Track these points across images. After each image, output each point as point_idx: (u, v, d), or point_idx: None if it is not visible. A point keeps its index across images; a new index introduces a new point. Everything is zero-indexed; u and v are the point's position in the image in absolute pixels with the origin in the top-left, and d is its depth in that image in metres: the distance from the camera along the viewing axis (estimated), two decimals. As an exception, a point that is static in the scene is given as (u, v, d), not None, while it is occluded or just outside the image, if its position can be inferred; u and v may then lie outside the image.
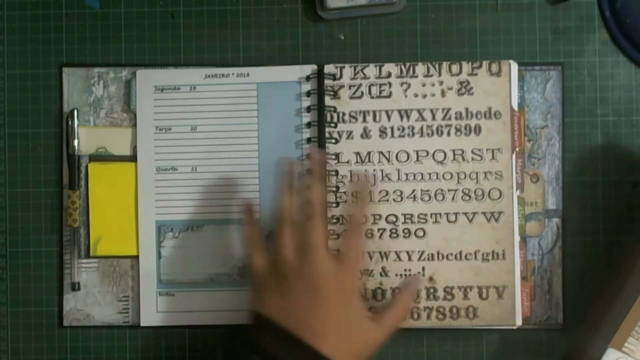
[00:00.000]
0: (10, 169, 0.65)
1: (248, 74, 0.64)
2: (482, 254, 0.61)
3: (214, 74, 0.64)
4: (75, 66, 0.65)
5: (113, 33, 0.65)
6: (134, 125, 0.64)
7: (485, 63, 0.61)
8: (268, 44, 0.65)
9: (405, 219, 0.62)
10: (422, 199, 0.61)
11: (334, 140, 0.62)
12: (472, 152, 0.61)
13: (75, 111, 0.64)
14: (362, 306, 0.55)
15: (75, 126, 0.64)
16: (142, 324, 0.64)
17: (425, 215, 0.61)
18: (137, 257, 0.64)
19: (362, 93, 0.62)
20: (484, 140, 0.61)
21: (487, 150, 0.61)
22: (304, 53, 0.64)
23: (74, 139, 0.64)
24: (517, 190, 0.62)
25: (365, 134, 0.62)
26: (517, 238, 0.61)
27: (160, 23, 0.65)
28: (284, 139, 0.63)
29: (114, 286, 0.64)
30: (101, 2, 0.65)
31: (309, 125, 0.63)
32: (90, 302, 0.64)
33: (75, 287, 0.64)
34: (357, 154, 0.62)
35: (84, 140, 0.64)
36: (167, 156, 0.64)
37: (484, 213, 0.61)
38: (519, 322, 0.61)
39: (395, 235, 0.62)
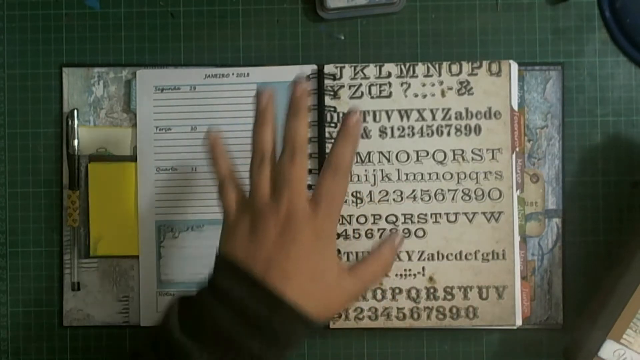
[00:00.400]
0: (10, 169, 0.65)
1: (248, 74, 0.64)
2: (482, 254, 0.61)
3: (214, 74, 0.64)
4: (75, 66, 0.65)
5: (113, 33, 0.65)
6: (134, 125, 0.64)
7: (485, 63, 0.61)
8: (268, 44, 0.65)
9: (405, 219, 0.62)
10: (422, 199, 0.61)
11: (334, 141, 0.62)
12: (472, 152, 0.61)
13: (75, 111, 0.64)
14: (336, 255, 0.51)
15: (75, 126, 0.64)
16: (142, 324, 0.64)
17: (425, 215, 0.61)
18: (137, 257, 0.64)
19: (362, 93, 0.62)
20: (484, 140, 0.61)
21: (487, 150, 0.61)
22: (304, 53, 0.64)
23: (74, 139, 0.64)
24: (517, 190, 0.62)
25: (365, 134, 0.62)
26: (517, 238, 0.61)
27: (160, 23, 0.65)
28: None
29: (114, 286, 0.64)
30: (101, 2, 0.65)
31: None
32: (90, 302, 0.64)
33: (75, 287, 0.64)
34: (357, 153, 0.62)
35: (84, 140, 0.64)
36: (167, 156, 0.64)
37: (484, 213, 0.61)
38: (519, 322, 0.61)
39: None
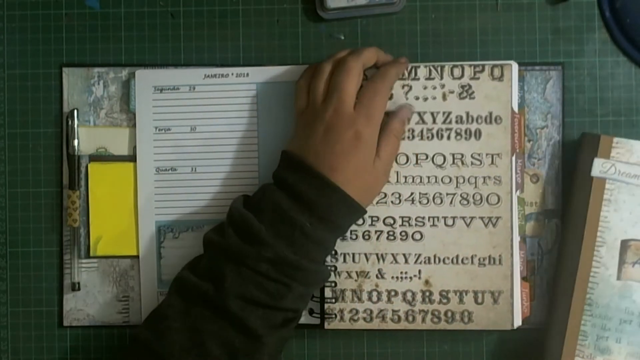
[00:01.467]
0: (10, 169, 0.65)
1: (248, 74, 0.64)
2: (479, 259, 0.61)
3: (213, 74, 0.64)
4: (75, 66, 0.65)
5: (113, 33, 0.65)
6: (134, 126, 0.64)
7: (487, 67, 0.61)
8: (268, 44, 0.65)
9: (402, 221, 0.61)
10: (420, 202, 0.61)
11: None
12: (471, 156, 0.61)
13: (75, 111, 0.64)
14: (374, 154, 0.58)
15: (75, 126, 0.64)
16: (142, 324, 0.64)
17: (423, 218, 0.61)
18: (137, 257, 0.64)
19: None
20: (483, 145, 0.61)
21: (487, 155, 0.61)
22: (304, 53, 0.64)
23: (74, 139, 0.64)
24: (516, 191, 0.61)
25: None
26: (516, 240, 0.61)
27: (160, 23, 0.65)
28: (284, 139, 0.63)
29: (114, 286, 0.64)
30: (101, 2, 0.65)
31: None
32: (90, 302, 0.64)
33: (75, 287, 0.64)
34: None
35: (84, 140, 0.64)
36: (166, 156, 0.64)
37: (481, 218, 0.61)
38: (518, 322, 0.61)
39: (392, 237, 0.62)
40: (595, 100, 0.63)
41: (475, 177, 0.61)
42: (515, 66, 0.61)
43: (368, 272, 0.61)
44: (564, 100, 0.63)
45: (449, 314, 0.61)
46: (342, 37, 0.64)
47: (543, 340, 0.63)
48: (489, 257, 0.61)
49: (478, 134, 0.61)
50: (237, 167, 0.63)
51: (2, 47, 0.65)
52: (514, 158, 0.61)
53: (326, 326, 0.61)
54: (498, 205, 0.61)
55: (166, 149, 0.64)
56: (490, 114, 0.61)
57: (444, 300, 0.61)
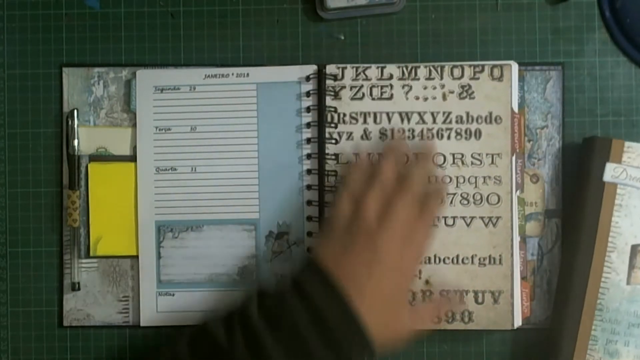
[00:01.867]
0: (10, 169, 0.65)
1: (248, 74, 0.64)
2: (479, 259, 0.61)
3: (213, 74, 0.64)
4: (75, 66, 0.65)
5: (113, 33, 0.65)
6: (134, 125, 0.64)
7: (487, 67, 0.61)
8: (268, 44, 0.65)
9: None
10: None
11: (334, 141, 0.62)
12: (471, 156, 0.61)
13: (75, 111, 0.64)
14: (408, 292, 0.58)
15: (75, 126, 0.64)
16: (142, 324, 0.64)
17: None
18: (137, 257, 0.64)
19: (364, 94, 0.62)
20: (484, 145, 0.61)
21: (487, 155, 0.61)
22: (304, 53, 0.64)
23: (74, 139, 0.64)
24: (516, 191, 0.61)
25: (366, 136, 0.62)
26: (516, 240, 0.61)
27: (160, 23, 0.65)
28: (284, 139, 0.63)
29: (114, 286, 0.64)
30: (101, 2, 0.65)
31: (308, 125, 0.63)
32: (90, 302, 0.64)
33: (75, 287, 0.64)
34: (357, 155, 0.62)
35: (84, 140, 0.64)
36: (166, 156, 0.64)
37: (482, 218, 0.61)
38: (518, 322, 0.61)
39: None
40: (595, 100, 0.63)
41: (476, 177, 0.61)
42: (515, 66, 0.61)
43: None
44: (564, 100, 0.63)
45: (449, 314, 0.61)
46: (342, 37, 0.64)
47: (543, 340, 0.63)
48: (489, 257, 0.61)
49: (478, 134, 0.61)
50: (237, 167, 0.63)
51: (2, 47, 0.65)
52: (514, 158, 0.61)
53: None
54: (498, 205, 0.61)
55: (166, 149, 0.64)
56: (490, 114, 0.61)
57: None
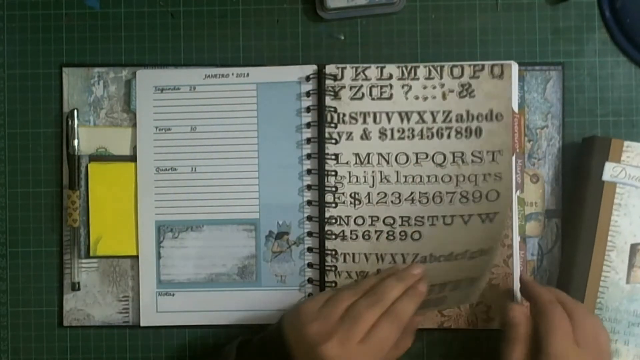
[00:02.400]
0: (10, 169, 0.65)
1: (248, 74, 0.64)
2: (471, 252, 0.60)
3: (213, 74, 0.64)
4: (75, 66, 0.65)
5: (113, 33, 0.65)
6: (134, 125, 0.64)
7: (487, 66, 0.61)
8: (268, 44, 0.65)
9: (402, 221, 0.61)
10: (420, 201, 0.61)
11: (333, 141, 0.62)
12: (472, 154, 0.61)
13: (75, 111, 0.64)
14: None
15: (75, 126, 0.64)
16: (142, 324, 0.64)
17: (422, 217, 0.61)
18: (137, 257, 0.64)
19: (363, 94, 0.62)
20: (484, 143, 0.61)
21: (488, 152, 0.61)
22: (304, 53, 0.64)
23: (74, 139, 0.64)
24: (517, 190, 0.61)
25: (365, 135, 0.62)
26: (516, 240, 0.61)
27: (160, 23, 0.65)
28: (284, 139, 0.63)
29: (114, 286, 0.64)
30: (101, 2, 0.65)
31: (308, 125, 0.63)
32: (90, 302, 0.64)
33: (75, 287, 0.64)
34: (357, 155, 0.62)
35: (84, 140, 0.64)
36: (166, 156, 0.64)
37: (479, 215, 0.61)
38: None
39: (392, 237, 0.61)
40: (595, 100, 0.63)
41: (476, 175, 0.61)
42: (515, 66, 0.61)
43: (367, 272, 0.61)
44: (564, 100, 0.63)
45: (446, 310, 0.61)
46: (342, 37, 0.64)
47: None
48: (480, 250, 0.59)
49: (479, 132, 0.61)
50: (237, 167, 0.63)
51: (2, 47, 0.65)
52: (514, 157, 0.61)
53: None
54: (497, 201, 0.60)
55: (166, 149, 0.64)
56: (491, 111, 0.61)
57: (436, 294, 0.59)
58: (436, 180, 0.61)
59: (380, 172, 0.62)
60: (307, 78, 0.63)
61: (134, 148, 0.64)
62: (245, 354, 0.57)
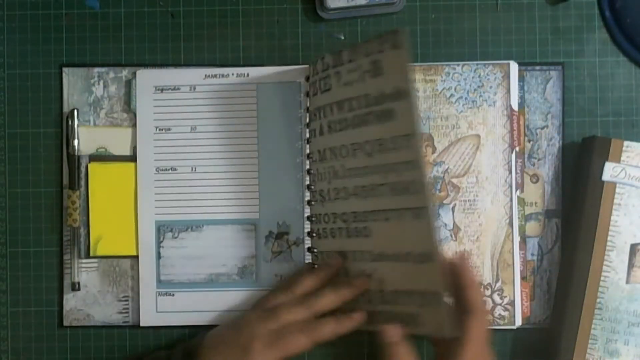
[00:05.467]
0: (10, 169, 0.65)
1: (248, 74, 0.64)
2: (415, 255, 0.54)
3: (214, 74, 0.64)
4: (75, 66, 0.65)
5: (113, 33, 0.65)
6: (134, 125, 0.64)
7: (390, 37, 0.53)
8: (268, 44, 0.65)
9: (354, 217, 0.58)
10: (362, 195, 0.57)
11: (306, 140, 0.62)
12: (390, 140, 0.54)
13: (75, 111, 0.64)
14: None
15: (75, 126, 0.64)
16: (142, 324, 0.64)
17: (367, 213, 0.56)
18: (137, 257, 0.64)
19: (317, 89, 0.60)
20: (398, 126, 0.54)
21: (402, 136, 0.53)
22: (304, 53, 0.64)
23: (74, 139, 0.64)
24: (516, 191, 0.62)
25: (320, 131, 0.60)
26: (516, 240, 0.61)
27: (160, 23, 0.65)
28: (284, 139, 0.63)
29: (114, 286, 0.64)
30: (101, 2, 0.65)
31: (308, 125, 0.63)
32: (90, 302, 0.64)
33: (75, 287, 0.64)
34: (318, 151, 0.61)
35: (84, 140, 0.64)
36: (166, 156, 0.64)
37: (410, 209, 0.53)
38: (518, 322, 0.61)
39: (350, 234, 0.58)
40: (595, 100, 0.63)
41: (397, 164, 0.54)
42: (515, 66, 0.61)
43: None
44: (564, 100, 0.63)
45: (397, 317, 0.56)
46: (342, 37, 0.64)
47: (543, 340, 0.63)
48: (424, 254, 0.53)
49: (392, 114, 0.54)
50: (237, 167, 0.63)
51: (2, 47, 0.65)
52: (513, 156, 0.61)
53: None
54: (421, 194, 0.52)
55: (166, 149, 0.64)
56: (397, 89, 0.53)
57: (392, 301, 0.56)
58: (369, 172, 0.56)
59: (332, 167, 0.59)
60: (307, 78, 0.63)
61: (134, 148, 0.64)
62: None
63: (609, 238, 0.59)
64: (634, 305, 0.59)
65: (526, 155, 0.63)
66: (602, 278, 0.59)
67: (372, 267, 0.57)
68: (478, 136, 0.62)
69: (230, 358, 0.55)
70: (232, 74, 0.64)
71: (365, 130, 0.56)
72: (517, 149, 0.62)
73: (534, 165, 0.63)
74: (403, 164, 0.54)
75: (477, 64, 0.62)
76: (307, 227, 0.63)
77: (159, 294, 0.64)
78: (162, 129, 0.64)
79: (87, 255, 0.64)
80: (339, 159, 0.59)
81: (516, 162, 0.61)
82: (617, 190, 0.60)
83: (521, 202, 0.62)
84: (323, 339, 0.56)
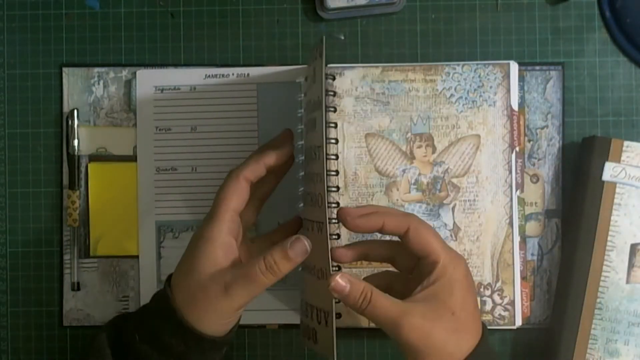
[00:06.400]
0: (10, 169, 0.65)
1: (248, 74, 0.64)
2: (317, 270, 0.52)
3: (214, 74, 0.64)
4: (75, 66, 0.65)
5: (113, 33, 0.65)
6: (134, 125, 0.64)
7: (323, 39, 0.52)
8: (268, 44, 0.65)
9: (314, 225, 0.54)
10: (310, 203, 0.55)
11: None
12: (315, 150, 0.53)
13: (75, 111, 0.64)
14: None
15: (75, 126, 0.64)
16: (142, 324, 0.64)
17: (313, 222, 0.54)
18: (137, 257, 0.64)
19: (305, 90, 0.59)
20: (318, 136, 0.52)
21: (317, 147, 0.52)
22: (304, 53, 0.64)
23: (74, 139, 0.64)
24: (516, 191, 0.62)
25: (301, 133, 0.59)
26: (516, 240, 0.61)
27: (160, 23, 0.65)
28: (284, 139, 0.63)
29: (114, 286, 0.64)
30: (101, 2, 0.65)
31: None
32: (90, 302, 0.64)
33: (75, 287, 0.64)
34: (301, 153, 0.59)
35: (84, 140, 0.64)
36: (167, 156, 0.64)
37: (317, 222, 0.52)
38: (518, 322, 0.61)
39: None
40: (595, 100, 0.63)
41: (316, 174, 0.52)
42: (515, 66, 0.61)
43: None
44: (564, 100, 0.63)
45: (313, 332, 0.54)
46: (342, 37, 0.64)
47: (543, 340, 0.63)
48: (321, 269, 0.51)
49: (315, 124, 0.53)
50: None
51: (2, 47, 0.65)
52: (513, 156, 0.61)
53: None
54: (321, 208, 0.51)
55: (166, 149, 0.64)
56: (318, 97, 0.52)
57: (309, 315, 0.54)
58: (306, 179, 0.55)
59: (303, 170, 0.57)
60: (307, 78, 0.63)
61: (134, 148, 0.64)
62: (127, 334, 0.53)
63: (609, 238, 0.59)
64: (634, 305, 0.59)
65: (526, 155, 0.63)
66: (602, 278, 0.59)
67: (301, 276, 0.57)
68: (478, 136, 0.62)
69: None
70: (232, 74, 0.64)
71: (312, 135, 0.54)
72: (517, 149, 0.62)
73: (534, 165, 0.63)
74: (317, 175, 0.52)
75: (477, 64, 0.62)
76: (307, 227, 0.63)
77: (159, 294, 0.64)
78: (162, 129, 0.64)
79: (87, 255, 0.64)
80: (306, 163, 0.57)
81: (516, 162, 0.61)
82: (617, 190, 0.60)
83: (521, 202, 0.62)
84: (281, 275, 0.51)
